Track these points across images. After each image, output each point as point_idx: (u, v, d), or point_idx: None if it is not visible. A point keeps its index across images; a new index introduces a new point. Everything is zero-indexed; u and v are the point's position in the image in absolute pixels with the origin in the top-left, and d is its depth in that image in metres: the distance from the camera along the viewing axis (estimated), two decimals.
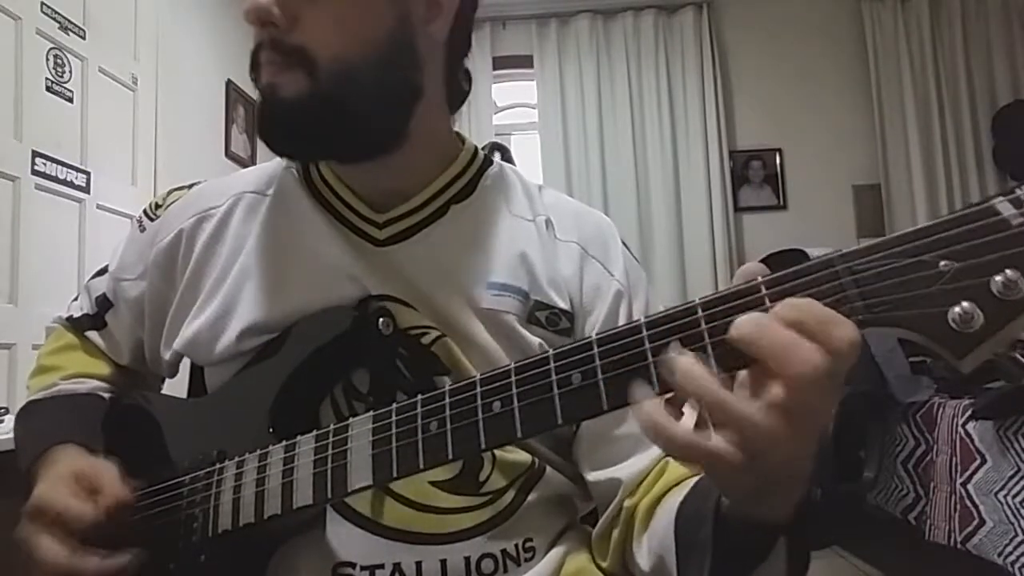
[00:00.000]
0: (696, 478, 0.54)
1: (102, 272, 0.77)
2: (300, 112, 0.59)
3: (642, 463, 0.61)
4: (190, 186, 0.75)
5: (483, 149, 0.75)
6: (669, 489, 0.58)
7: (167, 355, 0.69)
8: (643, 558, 0.58)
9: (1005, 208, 0.32)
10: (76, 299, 0.80)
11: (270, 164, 0.74)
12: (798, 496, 0.40)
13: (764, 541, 0.43)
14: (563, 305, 0.65)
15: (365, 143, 0.63)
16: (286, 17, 0.58)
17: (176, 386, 0.78)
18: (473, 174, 0.70)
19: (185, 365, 0.73)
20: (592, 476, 0.64)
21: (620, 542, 0.61)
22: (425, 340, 0.61)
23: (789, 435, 0.34)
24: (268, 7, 0.58)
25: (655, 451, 0.61)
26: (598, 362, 0.39)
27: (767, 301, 0.36)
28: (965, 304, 0.31)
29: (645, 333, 0.38)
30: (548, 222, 0.69)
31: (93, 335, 0.76)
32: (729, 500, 0.44)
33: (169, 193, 0.75)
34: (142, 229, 0.74)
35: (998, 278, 0.31)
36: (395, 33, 0.61)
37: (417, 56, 0.63)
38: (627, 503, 0.60)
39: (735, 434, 0.34)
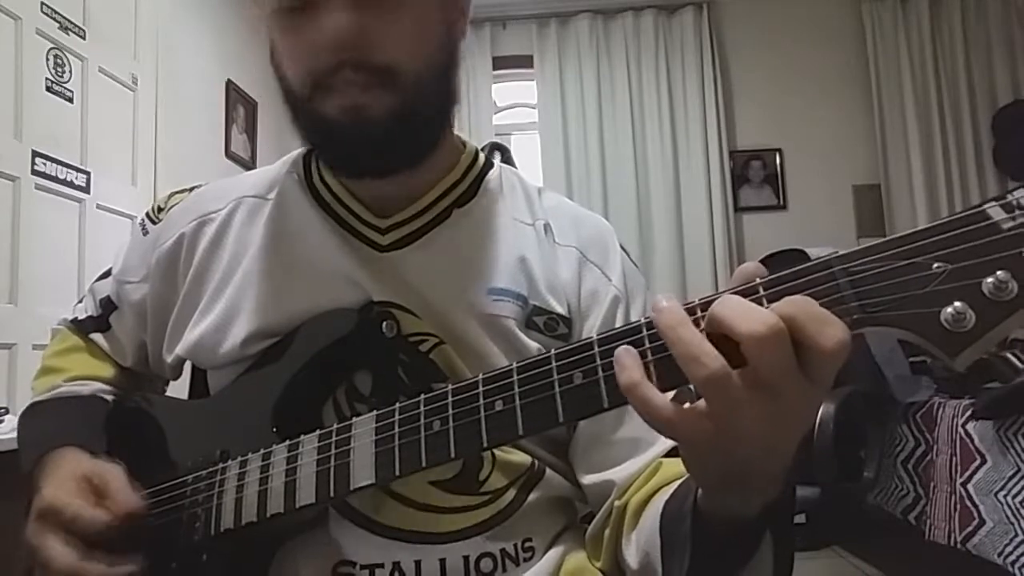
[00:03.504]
0: (685, 477, 0.54)
1: (107, 274, 0.77)
2: (391, 129, 0.59)
3: (636, 466, 0.61)
4: (190, 189, 0.76)
5: (483, 149, 0.76)
6: (659, 488, 0.58)
7: (170, 359, 0.70)
8: (632, 556, 0.58)
9: (996, 213, 0.33)
10: (81, 301, 0.80)
11: (271, 168, 0.74)
12: (771, 495, 0.41)
13: (742, 540, 0.43)
14: (561, 310, 0.65)
15: (425, 152, 0.65)
16: (372, 38, 0.57)
17: (179, 388, 0.78)
18: (474, 177, 0.70)
19: (187, 370, 0.73)
20: (587, 479, 0.64)
21: (611, 541, 0.62)
22: (423, 347, 0.61)
23: (756, 409, 0.34)
24: (356, 31, 0.56)
25: (650, 454, 0.62)
26: (599, 361, 0.40)
27: (765, 302, 0.36)
28: (958, 304, 0.32)
29: (645, 333, 0.39)
30: (547, 226, 0.69)
31: (97, 337, 0.76)
32: (701, 490, 0.45)
33: (170, 196, 0.76)
34: (144, 232, 0.74)
35: (989, 280, 0.32)
36: (445, 41, 0.63)
37: (457, 61, 0.65)
38: (618, 503, 0.61)
39: (699, 379, 0.35)
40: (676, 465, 0.59)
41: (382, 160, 0.62)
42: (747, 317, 0.34)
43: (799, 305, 0.34)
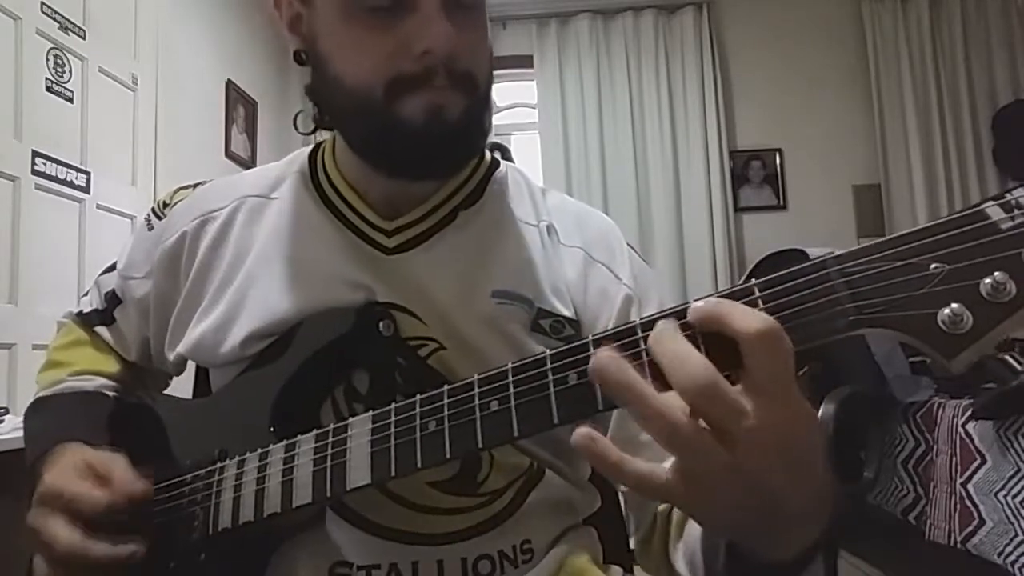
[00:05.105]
0: None
1: (112, 268, 0.77)
2: (464, 129, 0.61)
3: None
4: (195, 186, 0.76)
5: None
6: None
7: (171, 356, 0.70)
8: (682, 568, 0.57)
9: (995, 212, 0.32)
10: (87, 294, 0.80)
11: (275, 166, 0.74)
12: (806, 539, 0.39)
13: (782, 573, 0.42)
14: (567, 312, 0.65)
15: (476, 154, 0.69)
16: (463, 45, 0.58)
17: (182, 383, 0.78)
18: (481, 178, 0.70)
19: (191, 363, 0.73)
20: (624, 486, 0.63)
21: (660, 549, 0.60)
22: (422, 352, 0.61)
23: (712, 448, 0.33)
24: (456, 39, 0.58)
25: None
26: None
27: (760, 303, 0.36)
28: (955, 306, 0.32)
29: (640, 335, 0.38)
30: (550, 227, 0.69)
31: (102, 330, 0.76)
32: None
33: (176, 192, 0.76)
34: (150, 227, 0.74)
35: (987, 280, 0.31)
36: (492, 48, 0.65)
37: None
38: (660, 508, 0.59)
39: (658, 432, 0.34)
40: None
41: (451, 160, 0.64)
42: (678, 367, 0.34)
43: (720, 303, 0.34)
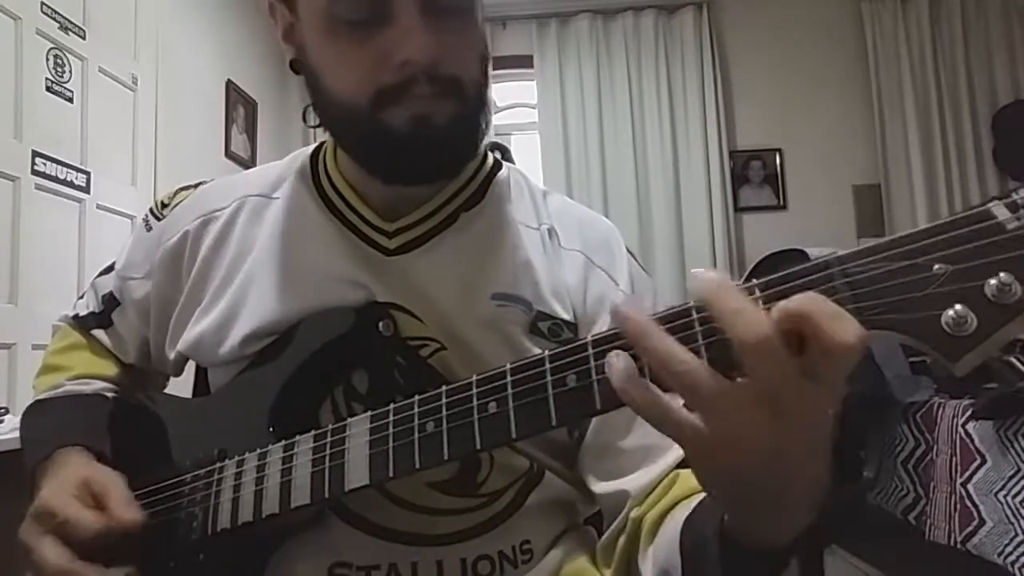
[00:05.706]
0: (704, 494, 0.53)
1: (109, 270, 0.77)
2: (452, 134, 0.60)
3: (650, 475, 0.60)
4: (196, 186, 0.75)
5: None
6: (677, 503, 0.57)
7: (171, 355, 0.70)
8: (648, 571, 0.57)
9: (1001, 212, 0.31)
10: (82, 297, 0.80)
11: (277, 165, 0.74)
12: (801, 521, 0.39)
13: (774, 564, 0.42)
14: (566, 316, 0.65)
15: (472, 157, 0.68)
16: (445, 52, 0.58)
17: (182, 385, 0.78)
18: (482, 180, 0.70)
19: (190, 364, 0.73)
20: (599, 488, 0.63)
21: (625, 553, 0.60)
22: (423, 352, 0.61)
23: (756, 423, 0.33)
24: (434, 48, 0.57)
25: (663, 464, 0.60)
26: (592, 363, 0.39)
27: (760, 304, 0.35)
28: (959, 307, 0.31)
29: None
30: (551, 231, 0.69)
31: (99, 333, 0.76)
32: (728, 516, 0.44)
33: (176, 192, 0.75)
34: (148, 228, 0.74)
35: (992, 281, 0.30)
36: (487, 51, 0.65)
37: (490, 70, 0.66)
38: (634, 514, 0.59)
39: (687, 393, 0.34)
40: (693, 477, 0.59)
41: (440, 165, 0.63)
42: (739, 322, 0.33)
43: (812, 301, 0.33)
